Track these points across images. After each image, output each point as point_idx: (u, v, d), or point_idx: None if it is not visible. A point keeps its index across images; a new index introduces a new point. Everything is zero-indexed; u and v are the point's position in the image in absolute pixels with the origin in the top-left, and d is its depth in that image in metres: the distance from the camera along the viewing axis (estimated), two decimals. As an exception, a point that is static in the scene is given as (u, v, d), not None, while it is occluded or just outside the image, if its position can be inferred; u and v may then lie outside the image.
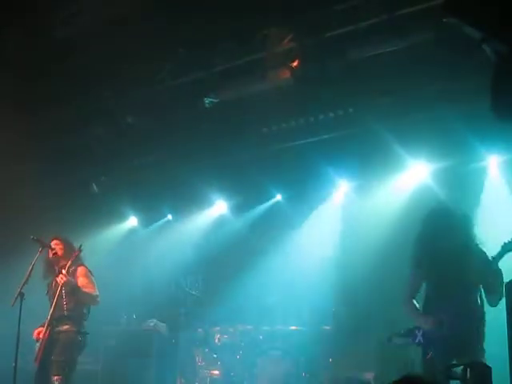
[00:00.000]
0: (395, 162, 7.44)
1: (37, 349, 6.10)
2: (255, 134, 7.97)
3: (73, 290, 6.09)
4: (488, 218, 6.34)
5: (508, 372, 4.12)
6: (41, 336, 6.08)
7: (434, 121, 6.68)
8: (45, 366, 6.00)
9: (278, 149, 8.01)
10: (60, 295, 6.08)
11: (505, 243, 4.80)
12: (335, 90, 6.72)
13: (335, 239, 7.89)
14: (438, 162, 7.36)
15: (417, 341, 4.84)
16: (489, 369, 4.28)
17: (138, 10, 6.48)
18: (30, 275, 5.99)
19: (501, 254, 4.79)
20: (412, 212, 7.25)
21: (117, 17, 6.59)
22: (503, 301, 4.43)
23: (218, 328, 8.07)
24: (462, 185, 7.26)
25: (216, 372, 7.88)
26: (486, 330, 4.92)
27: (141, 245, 9.73)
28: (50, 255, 6.33)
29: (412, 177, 7.74)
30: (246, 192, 8.93)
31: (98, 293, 6.26)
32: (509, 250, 4.79)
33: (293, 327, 7.76)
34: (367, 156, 7.35)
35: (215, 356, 7.98)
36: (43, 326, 6.11)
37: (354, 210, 8.05)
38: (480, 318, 4.90)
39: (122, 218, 9.87)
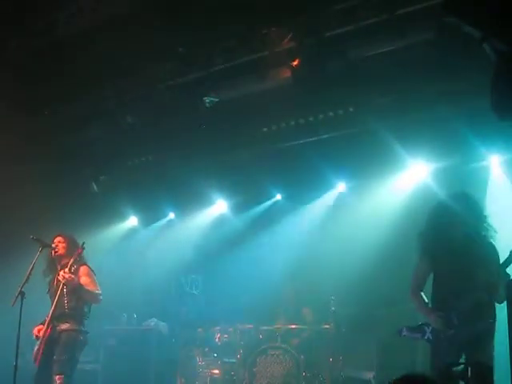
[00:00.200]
0: (395, 161, 7.45)
1: (36, 347, 6.09)
2: (255, 134, 7.98)
3: (74, 288, 6.07)
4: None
5: (509, 371, 4.13)
6: (40, 334, 6.06)
7: (434, 120, 6.68)
8: (46, 365, 5.98)
9: (277, 149, 8.02)
10: (61, 293, 6.07)
11: None
12: (335, 90, 6.72)
13: (335, 238, 7.89)
14: (438, 161, 7.37)
15: (426, 337, 4.85)
16: (490, 368, 4.29)
17: (138, 10, 6.48)
18: (30, 275, 5.98)
19: (509, 261, 4.66)
20: (412, 212, 7.26)
21: (117, 17, 6.59)
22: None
23: (218, 328, 8.07)
24: (462, 185, 7.25)
25: (216, 372, 7.88)
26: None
27: (141, 244, 9.74)
28: (52, 254, 6.32)
29: (412, 177, 7.75)
30: (245, 192, 8.94)
31: (100, 291, 6.25)
32: None
33: (293, 326, 7.77)
34: (367, 156, 7.35)
35: (215, 356, 7.99)
36: (43, 324, 6.10)
37: (353, 210, 8.06)
38: (490, 316, 4.77)
39: (122, 217, 9.88)
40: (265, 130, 7.85)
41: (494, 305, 4.80)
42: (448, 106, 6.49)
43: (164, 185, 8.99)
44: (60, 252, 6.32)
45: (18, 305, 5.82)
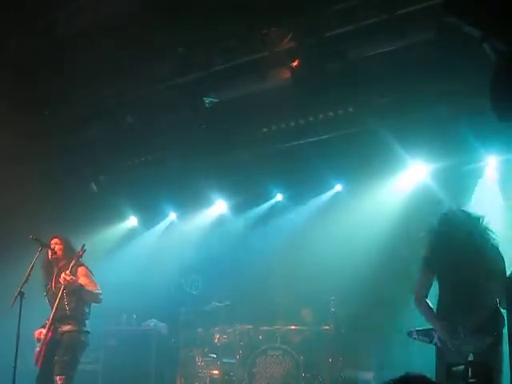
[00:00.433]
0: (395, 161, 7.46)
1: (37, 349, 6.09)
2: (255, 134, 7.97)
3: (75, 289, 6.07)
4: (487, 217, 6.33)
5: (509, 371, 4.13)
6: (42, 337, 6.06)
7: (434, 121, 6.68)
8: (47, 367, 5.98)
9: (277, 149, 8.02)
10: (62, 296, 6.06)
11: None
12: (335, 90, 6.72)
13: (335, 239, 7.89)
14: (438, 162, 7.38)
15: (433, 342, 4.87)
16: (490, 368, 4.29)
17: (138, 10, 6.48)
18: (29, 275, 5.97)
19: None
20: (411, 212, 7.27)
21: (117, 17, 6.59)
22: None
23: (217, 328, 8.07)
24: (462, 185, 7.27)
25: (215, 372, 7.88)
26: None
27: (140, 245, 9.74)
28: (50, 256, 6.31)
29: (411, 177, 7.75)
30: (246, 192, 8.94)
31: (100, 291, 6.25)
32: None
33: (292, 327, 7.76)
34: (367, 156, 7.36)
35: (215, 356, 7.99)
36: (44, 327, 6.10)
37: (353, 210, 8.05)
38: (497, 328, 4.66)
39: (121, 217, 9.87)
40: (265, 130, 7.85)
41: (501, 313, 4.72)
42: (448, 106, 6.49)
43: (164, 185, 8.99)
44: (58, 254, 6.31)
45: (17, 305, 5.82)
